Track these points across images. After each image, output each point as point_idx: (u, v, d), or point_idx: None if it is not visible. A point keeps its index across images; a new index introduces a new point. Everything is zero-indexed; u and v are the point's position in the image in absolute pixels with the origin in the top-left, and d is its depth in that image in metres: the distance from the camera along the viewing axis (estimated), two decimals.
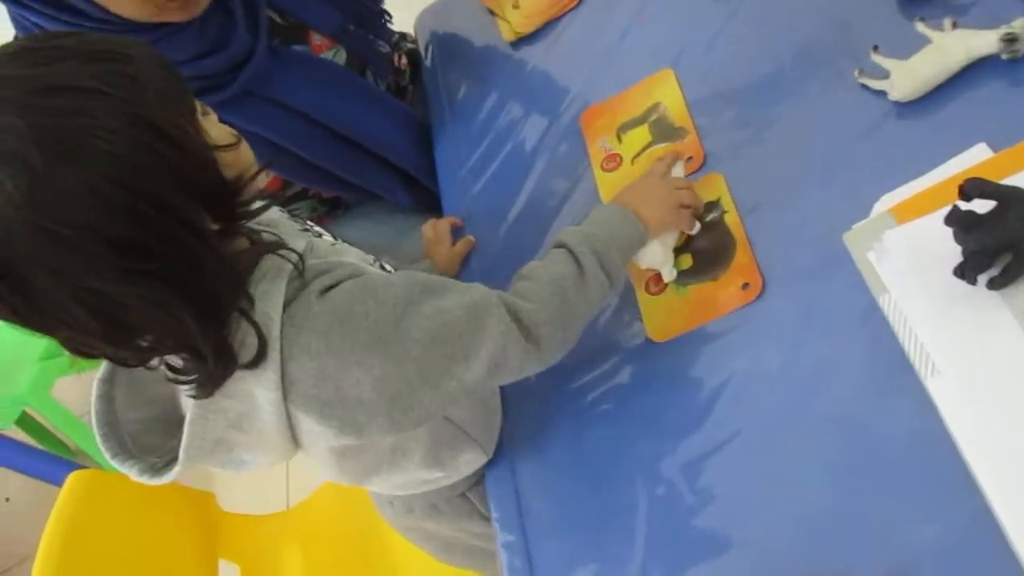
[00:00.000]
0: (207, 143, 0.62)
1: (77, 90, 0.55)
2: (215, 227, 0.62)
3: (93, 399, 0.71)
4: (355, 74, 1.17)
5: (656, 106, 0.96)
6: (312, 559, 1.28)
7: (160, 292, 0.58)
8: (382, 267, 0.80)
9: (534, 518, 0.82)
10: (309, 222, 0.85)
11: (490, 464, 0.88)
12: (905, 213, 0.70)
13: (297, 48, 1.10)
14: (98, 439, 0.71)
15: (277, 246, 0.67)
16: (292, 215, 0.84)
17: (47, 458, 2.21)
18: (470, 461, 0.87)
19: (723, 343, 0.78)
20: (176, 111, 0.60)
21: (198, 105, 0.64)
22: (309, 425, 0.67)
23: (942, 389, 0.63)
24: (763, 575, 0.66)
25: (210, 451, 0.68)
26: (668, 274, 0.84)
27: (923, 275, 0.66)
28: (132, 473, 0.70)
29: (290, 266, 0.66)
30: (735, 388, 0.76)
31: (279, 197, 1.23)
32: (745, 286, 0.79)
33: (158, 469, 0.70)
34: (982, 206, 0.62)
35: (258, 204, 0.68)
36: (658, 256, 0.83)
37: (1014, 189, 0.61)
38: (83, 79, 0.56)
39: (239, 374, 0.64)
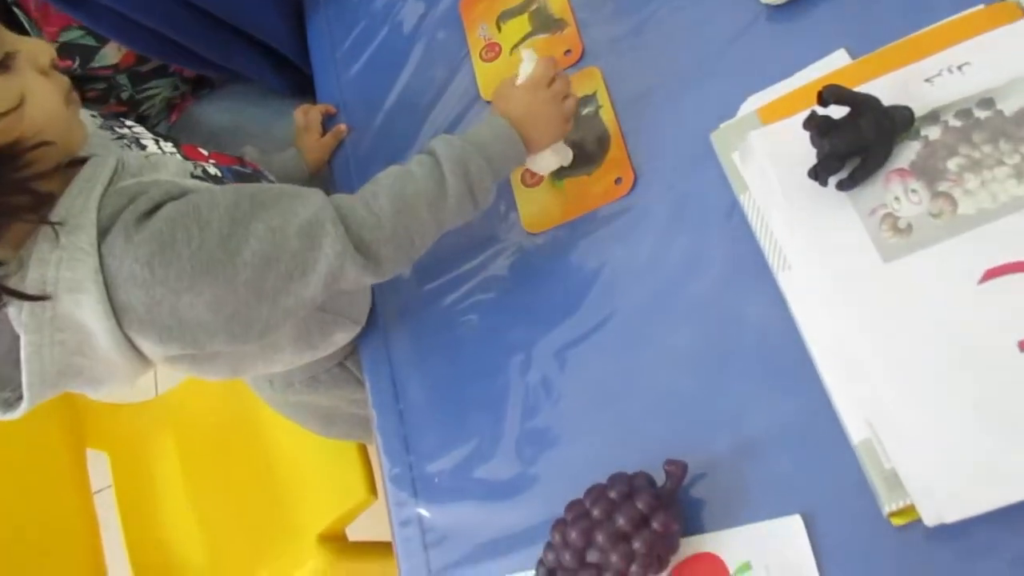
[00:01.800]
0: None
1: None
2: None
3: None
4: None
5: None
6: (185, 445, 1.28)
7: None
8: (205, 174, 0.75)
9: (406, 389, 0.85)
10: (128, 123, 0.80)
11: (363, 333, 0.89)
12: (769, 115, 0.73)
13: None
14: None
15: (35, 209, 0.62)
16: (140, 113, 0.79)
17: None
18: (344, 336, 0.87)
19: (596, 235, 0.81)
20: None
21: None
22: (150, 345, 0.66)
23: (792, 283, 0.68)
24: (625, 454, 0.71)
25: (55, 382, 0.66)
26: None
27: (781, 175, 0.70)
28: None
29: (98, 193, 0.63)
30: (606, 278, 0.79)
31: (134, 73, 1.16)
32: (618, 180, 0.82)
33: (11, 403, 0.68)
34: (838, 111, 0.66)
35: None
36: (552, 164, 0.82)
37: (867, 97, 0.65)
38: None
39: (64, 308, 0.62)
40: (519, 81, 0.79)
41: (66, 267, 0.62)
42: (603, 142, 0.84)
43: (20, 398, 0.67)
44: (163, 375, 1.78)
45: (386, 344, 0.88)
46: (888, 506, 0.58)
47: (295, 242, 0.67)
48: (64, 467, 1.19)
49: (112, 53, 1.10)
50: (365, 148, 1.00)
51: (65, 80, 0.66)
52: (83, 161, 0.66)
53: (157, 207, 0.64)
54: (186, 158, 0.77)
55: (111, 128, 0.77)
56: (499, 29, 0.96)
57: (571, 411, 0.76)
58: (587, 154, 0.84)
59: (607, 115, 0.85)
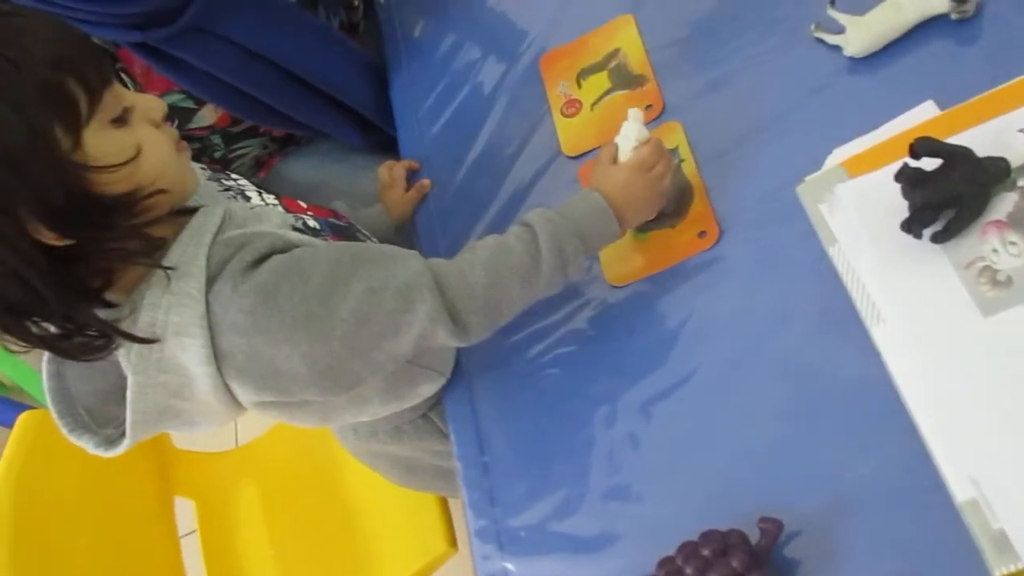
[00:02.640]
0: (75, 163, 0.60)
1: None
2: (61, 243, 0.60)
3: (44, 378, 0.72)
4: (305, 11, 1.14)
5: (616, 52, 0.97)
6: (268, 493, 1.30)
7: None
8: (305, 226, 0.77)
9: (491, 441, 0.85)
10: (234, 176, 0.85)
11: (448, 385, 0.90)
12: (856, 167, 0.73)
13: None
14: (54, 416, 0.71)
15: (147, 254, 0.65)
16: (232, 171, 0.83)
17: None
18: (430, 388, 0.89)
19: (680, 289, 0.81)
20: (42, 125, 0.58)
21: (104, 111, 0.62)
22: (245, 392, 0.68)
23: (885, 336, 0.67)
24: (714, 509, 0.70)
25: (156, 421, 0.69)
26: None
27: (871, 227, 0.69)
28: (88, 447, 0.71)
29: (207, 241, 0.66)
30: (691, 332, 0.79)
31: (227, 133, 1.21)
32: (702, 234, 0.82)
33: (113, 441, 0.71)
34: (929, 163, 0.65)
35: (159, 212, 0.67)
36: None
37: (960, 149, 0.65)
38: None
39: (170, 351, 0.65)
40: (619, 140, 0.80)
41: (175, 312, 0.65)
42: (686, 196, 0.85)
43: (122, 435, 0.70)
44: (244, 425, 1.82)
45: (471, 396, 0.88)
46: (997, 569, 0.56)
47: (391, 303, 0.69)
48: (153, 513, 1.23)
49: (208, 115, 1.16)
50: (447, 203, 1.03)
51: (174, 131, 0.71)
52: (193, 210, 0.70)
53: (263, 258, 0.67)
54: (287, 210, 0.80)
55: (218, 180, 0.81)
56: (579, 85, 0.98)
57: (657, 465, 0.75)
58: (670, 207, 0.85)
59: (689, 169, 0.85)
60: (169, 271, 0.65)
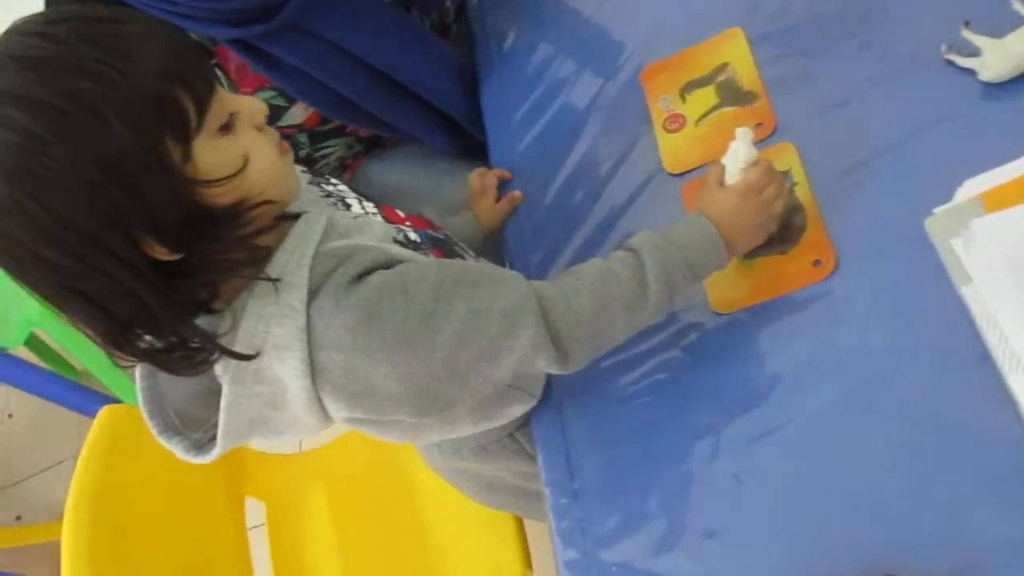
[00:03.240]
0: (186, 177, 0.59)
1: (44, 107, 0.54)
2: (170, 257, 0.59)
3: (137, 379, 0.71)
4: (400, 11, 1.12)
5: (724, 67, 0.93)
6: (339, 498, 1.29)
7: (88, 309, 0.59)
8: (406, 239, 0.75)
9: (582, 467, 0.82)
10: (333, 181, 0.83)
11: (538, 407, 0.87)
12: (996, 201, 0.68)
13: None
14: (144, 416, 0.70)
15: (253, 264, 0.64)
16: (315, 170, 0.81)
17: (54, 379, 2.21)
18: (520, 409, 0.86)
19: (790, 320, 0.77)
20: (153, 139, 0.57)
21: (211, 119, 0.60)
22: (337, 408, 0.67)
23: None
24: (823, 559, 0.66)
25: (247, 431, 0.68)
26: None
27: (1014, 268, 0.64)
28: (177, 451, 0.70)
29: (310, 252, 0.65)
30: (800, 367, 0.75)
31: (315, 132, 1.20)
32: (816, 263, 0.78)
33: (202, 445, 0.70)
34: None
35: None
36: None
37: None
38: (53, 94, 0.54)
39: (267, 362, 0.64)
40: (726, 160, 0.77)
41: (276, 323, 0.63)
42: (798, 221, 0.80)
43: (211, 440, 0.69)
44: None
45: (561, 420, 0.85)
46: None
47: (495, 327, 0.67)
48: (224, 510, 1.22)
49: (299, 113, 1.15)
50: (539, 216, 1.00)
51: (276, 133, 0.69)
52: (295, 216, 0.69)
53: (366, 273, 0.65)
54: (387, 220, 0.78)
55: (319, 185, 0.80)
56: (683, 100, 0.95)
57: (761, 507, 0.71)
58: (781, 233, 0.80)
59: (803, 193, 0.81)
60: (272, 281, 0.63)
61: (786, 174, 0.83)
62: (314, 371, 0.64)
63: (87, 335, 0.61)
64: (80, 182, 0.55)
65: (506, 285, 0.69)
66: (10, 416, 2.52)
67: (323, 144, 1.23)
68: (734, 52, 0.93)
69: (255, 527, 1.29)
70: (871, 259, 0.75)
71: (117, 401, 2.18)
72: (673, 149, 0.92)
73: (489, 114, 1.13)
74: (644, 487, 0.77)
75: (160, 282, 0.59)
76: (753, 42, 0.93)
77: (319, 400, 0.66)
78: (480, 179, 1.05)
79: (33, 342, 2.28)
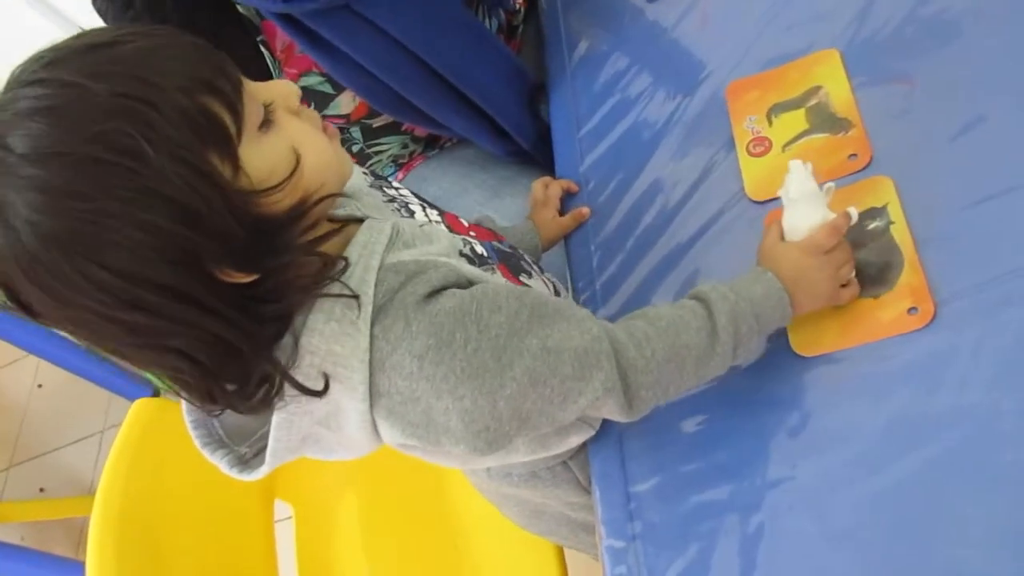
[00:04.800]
0: (243, 192, 0.54)
1: (71, 160, 0.49)
2: (247, 279, 0.55)
3: None
4: (464, 8, 1.07)
5: (816, 90, 0.87)
6: (368, 507, 1.25)
7: (177, 363, 0.55)
8: (473, 252, 0.71)
9: (642, 508, 0.77)
10: (396, 184, 0.79)
11: (596, 438, 0.82)
12: None
13: None
14: (188, 427, 0.67)
15: (327, 276, 0.59)
16: (376, 174, 0.77)
17: (83, 353, 2.20)
18: (578, 439, 0.82)
19: (878, 369, 0.71)
20: (198, 160, 0.52)
21: (248, 120, 0.56)
22: (391, 433, 0.64)
23: None
24: None
25: (297, 448, 0.65)
26: None
27: None
28: (222, 465, 0.66)
29: (376, 265, 0.60)
30: (888, 422, 0.69)
31: (366, 126, 1.15)
32: (912, 310, 0.72)
33: (247, 461, 0.66)
34: None
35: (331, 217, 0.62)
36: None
37: None
38: (85, 144, 0.49)
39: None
40: (781, 193, 0.72)
41: (337, 342, 0.59)
42: (894, 263, 0.74)
43: (256, 455, 0.66)
44: None
45: (621, 456, 0.80)
46: None
47: (567, 368, 0.63)
48: (253, 512, 1.19)
49: (346, 102, 1.10)
50: (608, 234, 0.95)
51: (315, 113, 0.64)
52: (358, 221, 0.64)
53: (435, 292, 0.61)
54: (451, 230, 0.74)
55: (381, 188, 0.76)
56: (770, 122, 0.89)
57: (837, 570, 0.66)
58: (874, 275, 0.75)
59: (900, 233, 0.75)
60: (349, 298, 0.59)
61: (882, 211, 0.77)
62: (372, 394, 0.60)
63: (181, 395, 0.58)
64: (139, 231, 0.50)
65: (579, 324, 0.65)
66: (40, 386, 2.52)
67: (376, 141, 1.19)
68: (829, 75, 0.87)
69: (281, 520, 1.25)
70: (975, 312, 0.69)
71: (146, 380, 2.18)
72: (756, 174, 0.87)
73: (557, 123, 1.08)
74: (710, 537, 0.72)
75: (240, 318, 0.55)
76: (850, 65, 0.87)
77: (373, 423, 0.62)
78: (544, 189, 1.00)
79: None
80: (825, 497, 0.69)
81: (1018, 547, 0.60)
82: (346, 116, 1.13)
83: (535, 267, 0.82)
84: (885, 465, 0.67)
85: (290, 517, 1.30)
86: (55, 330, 0.57)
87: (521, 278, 0.75)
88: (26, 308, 0.54)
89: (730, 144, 0.90)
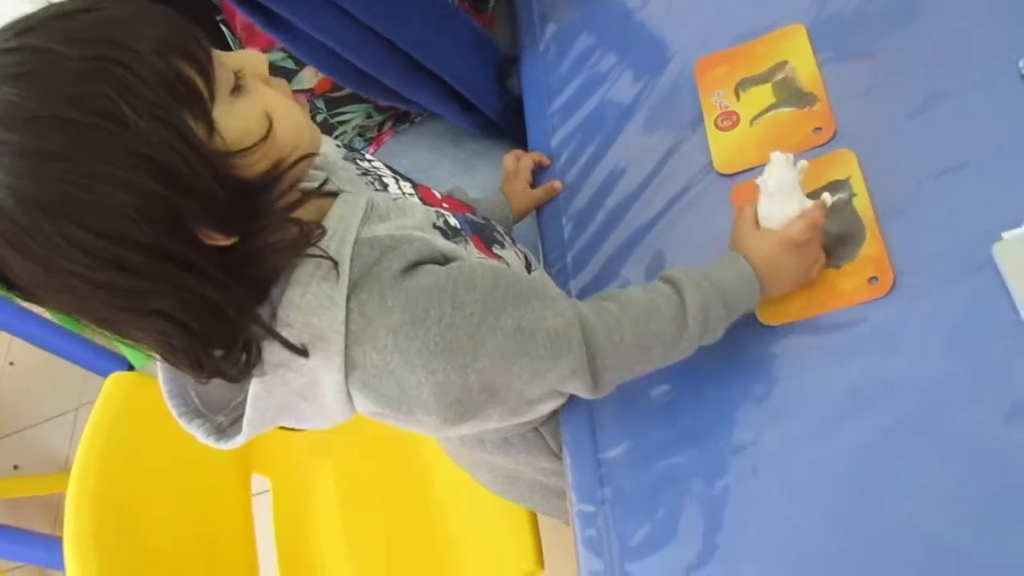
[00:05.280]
0: (219, 152, 0.55)
1: (49, 123, 0.50)
2: (227, 243, 0.56)
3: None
4: None
5: (782, 64, 0.89)
6: (345, 478, 1.26)
7: (164, 327, 0.56)
8: (447, 224, 0.72)
9: (612, 473, 0.79)
10: (368, 157, 0.79)
11: (567, 406, 0.84)
12: None
13: None
14: (165, 397, 0.68)
15: (306, 242, 0.60)
16: (346, 144, 0.78)
17: (56, 330, 2.19)
18: (551, 406, 0.84)
19: (840, 337, 0.74)
20: (175, 121, 0.53)
21: (220, 84, 0.56)
22: (365, 404, 0.65)
23: None
24: None
25: (273, 418, 0.66)
26: None
27: None
28: (199, 434, 0.67)
29: (351, 239, 0.62)
30: (848, 389, 0.71)
31: (329, 98, 1.15)
32: (872, 280, 0.74)
33: (224, 430, 0.67)
34: None
35: (305, 184, 0.63)
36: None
37: None
38: (61, 107, 0.50)
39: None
40: (759, 182, 0.73)
41: (314, 314, 0.60)
42: (855, 235, 0.77)
43: (232, 423, 0.67)
44: None
45: (591, 424, 0.82)
46: None
47: (539, 349, 0.65)
48: (230, 485, 1.20)
49: (309, 77, 1.11)
50: (579, 207, 0.96)
51: (284, 82, 0.65)
52: (332, 194, 0.65)
53: (411, 266, 0.62)
54: (425, 202, 0.75)
55: (354, 161, 0.76)
56: (737, 97, 0.90)
57: (799, 531, 0.68)
58: (835, 246, 0.77)
59: (862, 205, 0.77)
60: (328, 261, 0.60)
61: (844, 183, 0.79)
62: (347, 365, 0.61)
63: (168, 363, 0.59)
64: (120, 190, 0.51)
65: (554, 306, 0.66)
66: (11, 364, 2.51)
67: (340, 110, 1.19)
68: (795, 50, 0.89)
69: (258, 494, 1.26)
70: (932, 281, 0.71)
71: (120, 356, 2.17)
72: (725, 148, 0.88)
73: (529, 96, 1.09)
74: (677, 501, 0.74)
75: (225, 279, 0.56)
76: (816, 41, 0.88)
77: (348, 393, 0.63)
78: (515, 161, 1.01)
79: None
80: (787, 460, 0.71)
81: (976, 516, 0.62)
82: (310, 90, 1.13)
83: (507, 238, 0.83)
84: (842, 428, 0.70)
85: (267, 491, 1.31)
86: (37, 306, 0.57)
87: (494, 249, 0.76)
88: (12, 284, 0.54)
89: (699, 118, 0.92)
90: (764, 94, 0.89)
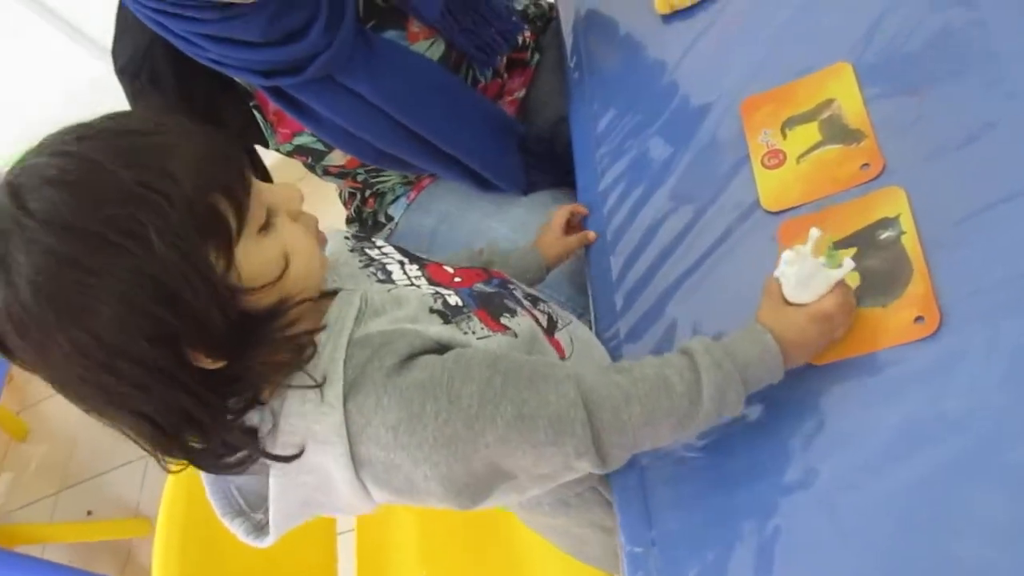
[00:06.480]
0: (231, 287, 0.58)
1: (82, 234, 0.54)
2: (216, 366, 0.59)
3: None
4: (445, 73, 1.10)
5: (829, 102, 0.89)
6: (428, 527, 1.25)
7: (140, 425, 0.59)
8: (445, 305, 0.73)
9: (661, 516, 0.77)
10: (379, 244, 0.82)
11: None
12: None
13: (390, 36, 1.05)
14: (208, 495, 0.71)
15: (297, 366, 0.63)
16: (359, 235, 0.81)
17: None
18: (575, 475, 0.80)
19: (890, 374, 0.72)
20: (195, 253, 0.56)
21: (251, 221, 0.60)
22: (382, 496, 0.67)
23: None
24: None
25: (299, 513, 0.69)
26: None
27: None
28: (239, 533, 0.70)
29: (344, 342, 0.64)
30: (895, 427, 0.69)
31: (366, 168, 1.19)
32: (918, 319, 0.72)
33: (262, 527, 0.70)
34: None
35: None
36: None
37: None
38: (97, 223, 0.54)
39: (311, 455, 0.64)
40: (778, 275, 0.72)
41: (314, 420, 0.63)
42: (902, 273, 0.75)
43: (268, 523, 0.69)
44: None
45: (639, 465, 0.81)
46: None
47: (540, 435, 0.65)
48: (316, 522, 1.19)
49: (339, 156, 1.15)
50: (626, 244, 0.97)
51: (313, 218, 0.69)
52: (332, 293, 0.69)
53: (404, 361, 0.64)
54: (431, 281, 0.77)
55: (362, 251, 0.79)
56: (784, 136, 0.91)
57: (854, 572, 0.66)
58: (882, 284, 0.75)
59: (910, 243, 0.76)
60: (316, 383, 0.63)
61: (894, 221, 0.78)
62: (356, 462, 0.64)
63: (134, 439, 0.61)
64: (125, 306, 0.54)
65: (556, 388, 0.66)
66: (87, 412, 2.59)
67: (379, 176, 1.22)
68: (841, 88, 0.89)
69: (343, 532, 1.27)
70: (986, 317, 0.70)
71: None
72: (771, 186, 0.88)
73: (578, 143, 1.11)
74: (727, 541, 0.73)
75: (206, 393, 0.59)
76: (863, 78, 0.88)
77: (363, 486, 0.66)
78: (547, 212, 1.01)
79: None
80: (839, 499, 0.69)
81: (1017, 541, 0.60)
82: (341, 166, 1.17)
83: (524, 302, 0.83)
84: (896, 466, 0.68)
85: (352, 530, 1.31)
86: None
87: (502, 320, 0.76)
88: (8, 351, 0.58)
89: (745, 158, 0.92)
90: (811, 132, 0.89)
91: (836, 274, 0.71)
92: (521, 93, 1.25)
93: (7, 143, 2.24)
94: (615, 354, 0.90)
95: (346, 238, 0.81)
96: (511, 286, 0.86)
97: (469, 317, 0.73)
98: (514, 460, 0.66)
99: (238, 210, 0.59)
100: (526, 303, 0.83)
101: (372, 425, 0.62)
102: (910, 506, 0.66)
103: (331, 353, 0.63)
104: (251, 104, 1.11)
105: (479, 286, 0.81)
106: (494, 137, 1.14)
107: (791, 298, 0.72)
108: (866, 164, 0.83)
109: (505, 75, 1.22)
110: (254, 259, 0.60)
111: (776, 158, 0.90)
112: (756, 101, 0.95)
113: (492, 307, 0.77)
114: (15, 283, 0.54)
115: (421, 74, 1.06)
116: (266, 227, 0.62)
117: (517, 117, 1.24)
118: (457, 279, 0.80)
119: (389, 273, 0.77)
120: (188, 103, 1.07)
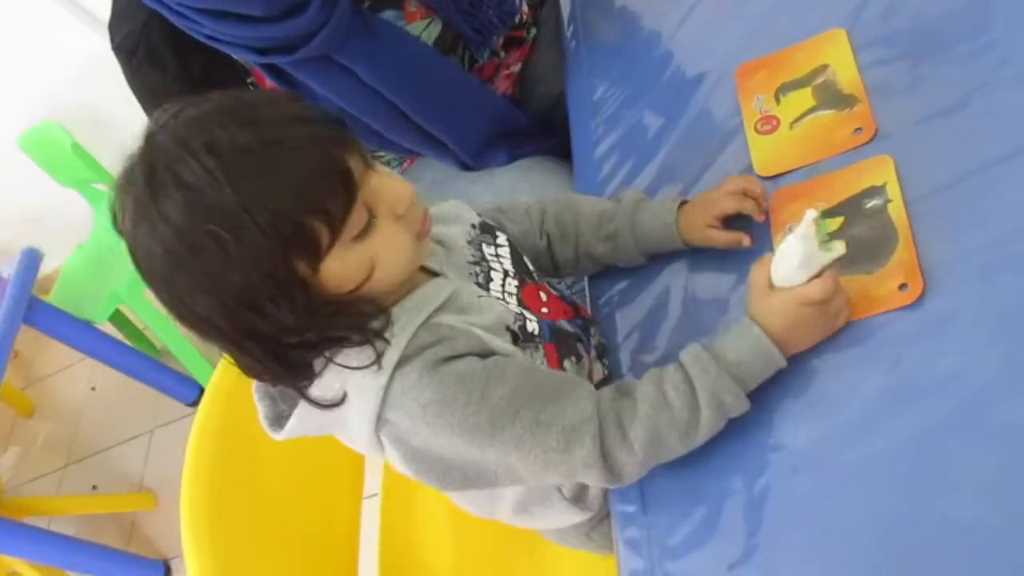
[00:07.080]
0: (308, 293, 0.64)
1: (186, 237, 0.61)
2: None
3: None
4: (439, 56, 1.11)
5: (823, 68, 0.89)
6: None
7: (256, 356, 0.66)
8: (522, 330, 0.77)
9: (650, 476, 0.76)
10: (499, 242, 0.84)
11: None
12: None
13: (387, 16, 1.06)
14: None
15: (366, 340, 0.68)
16: (486, 226, 0.85)
17: (135, 355, 2.28)
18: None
19: (874, 342, 0.72)
20: (281, 265, 0.62)
21: (347, 230, 0.64)
22: (393, 455, 0.74)
23: None
24: None
25: (316, 431, 0.74)
26: None
27: None
28: (260, 412, 0.75)
29: (419, 321, 0.70)
30: (887, 389, 0.70)
31: None
32: (903, 286, 0.72)
33: (281, 419, 0.74)
34: None
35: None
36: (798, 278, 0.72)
37: None
38: (197, 232, 0.60)
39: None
40: (784, 245, 0.71)
41: (363, 373, 0.68)
42: (888, 241, 0.75)
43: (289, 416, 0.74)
44: None
45: None
46: None
47: (553, 441, 0.70)
48: (342, 484, 1.19)
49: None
50: None
51: (418, 213, 0.70)
52: (433, 272, 0.76)
53: (456, 357, 0.69)
54: (520, 303, 0.80)
55: (479, 245, 0.82)
56: (778, 101, 0.91)
57: (843, 528, 0.67)
58: (868, 252, 0.76)
59: (896, 211, 0.76)
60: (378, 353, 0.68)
61: (880, 189, 0.78)
62: (379, 421, 0.70)
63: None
64: (213, 301, 0.62)
65: (576, 402, 0.71)
66: (93, 389, 2.61)
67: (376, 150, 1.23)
68: (835, 54, 0.89)
69: (369, 497, 1.25)
70: (971, 281, 0.70)
71: (192, 379, 2.24)
72: (765, 152, 0.89)
73: (574, 112, 1.11)
74: (717, 499, 0.74)
75: (278, 349, 0.66)
76: (857, 44, 0.88)
77: (379, 439, 0.72)
78: (739, 189, 0.83)
79: (118, 318, 2.36)
80: (827, 458, 0.70)
81: (1009, 499, 0.61)
82: None
83: (592, 351, 0.85)
84: (885, 427, 0.68)
85: (376, 494, 1.28)
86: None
87: (565, 363, 0.80)
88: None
89: (739, 124, 0.92)
90: (804, 98, 0.89)
91: (820, 257, 0.71)
92: (517, 67, 1.26)
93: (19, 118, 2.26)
94: (608, 320, 0.91)
95: (472, 226, 0.84)
96: (592, 331, 0.88)
97: (537, 347, 0.78)
98: (524, 463, 0.71)
99: (332, 229, 0.63)
100: (593, 352, 0.86)
101: (407, 396, 0.68)
102: (900, 465, 0.67)
103: (403, 326, 0.69)
104: (248, 81, 1.12)
105: (562, 323, 0.84)
106: (484, 125, 1.16)
107: (783, 281, 0.72)
108: (859, 128, 0.83)
109: (502, 53, 1.22)
110: (340, 269, 0.65)
111: (770, 123, 0.90)
112: (751, 67, 0.95)
113: (563, 347, 0.81)
114: (147, 248, 0.62)
115: (417, 59, 1.07)
116: (363, 233, 0.65)
117: (514, 92, 1.25)
118: (544, 309, 0.83)
119: (489, 280, 0.81)
120: (185, 80, 1.08)
